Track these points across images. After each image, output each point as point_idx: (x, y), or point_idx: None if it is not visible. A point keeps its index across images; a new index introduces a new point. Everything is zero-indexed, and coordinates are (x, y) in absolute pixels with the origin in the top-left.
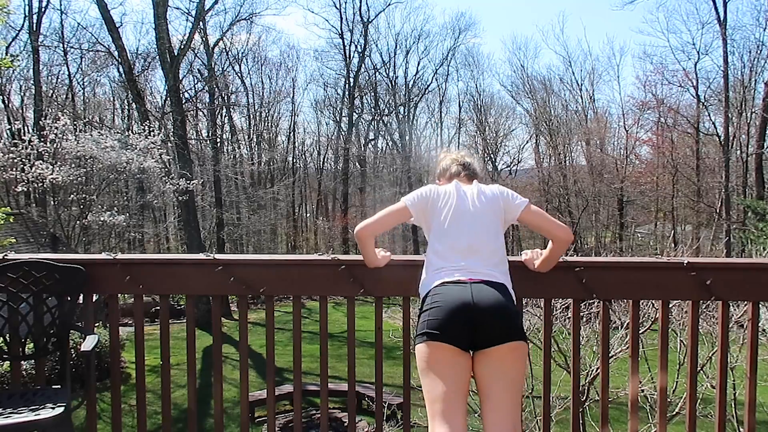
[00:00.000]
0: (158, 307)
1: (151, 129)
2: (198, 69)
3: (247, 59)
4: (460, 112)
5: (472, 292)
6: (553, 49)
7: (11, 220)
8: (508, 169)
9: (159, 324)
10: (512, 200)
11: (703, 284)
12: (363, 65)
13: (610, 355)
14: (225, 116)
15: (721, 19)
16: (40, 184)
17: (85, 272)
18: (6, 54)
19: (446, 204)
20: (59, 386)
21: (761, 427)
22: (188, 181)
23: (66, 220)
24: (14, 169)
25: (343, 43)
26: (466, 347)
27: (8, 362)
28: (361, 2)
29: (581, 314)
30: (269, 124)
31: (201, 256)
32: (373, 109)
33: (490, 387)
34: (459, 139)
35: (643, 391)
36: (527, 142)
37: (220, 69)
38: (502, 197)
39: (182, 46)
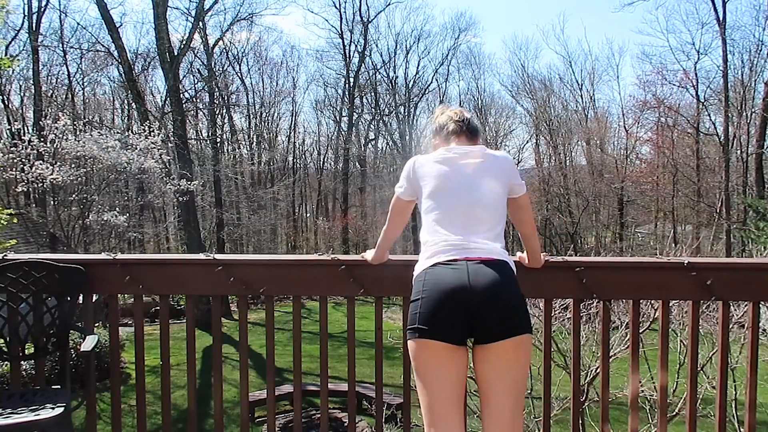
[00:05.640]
0: (158, 307)
1: (151, 129)
2: (198, 69)
3: (247, 59)
4: None
5: (469, 273)
6: (553, 49)
7: (15, 221)
8: None
9: (159, 324)
10: (517, 176)
11: (704, 284)
12: (363, 65)
13: (610, 355)
14: (225, 116)
15: (721, 19)
16: (40, 184)
17: (85, 272)
18: (6, 53)
19: (437, 169)
20: (59, 386)
21: (762, 427)
22: (189, 182)
23: (66, 220)
24: (14, 169)
25: (343, 43)
26: (462, 340)
27: (8, 362)
28: (360, 2)
29: (581, 314)
30: (269, 124)
31: (201, 256)
32: (373, 109)
33: (490, 389)
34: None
35: (643, 391)
36: (527, 141)
37: (220, 69)
38: (511, 165)
39: (182, 46)
